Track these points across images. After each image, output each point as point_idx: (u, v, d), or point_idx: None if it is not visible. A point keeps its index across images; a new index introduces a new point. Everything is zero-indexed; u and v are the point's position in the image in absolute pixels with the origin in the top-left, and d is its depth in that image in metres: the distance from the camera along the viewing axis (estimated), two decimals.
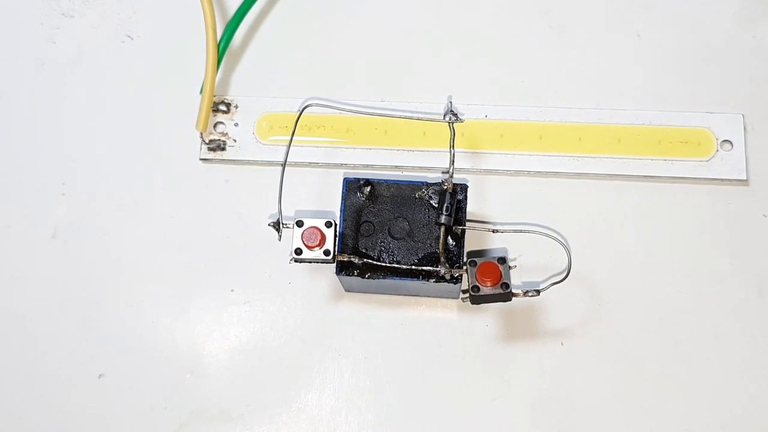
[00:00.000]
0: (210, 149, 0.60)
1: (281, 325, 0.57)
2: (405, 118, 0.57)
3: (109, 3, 0.64)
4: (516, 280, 0.56)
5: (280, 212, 0.52)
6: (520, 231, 0.54)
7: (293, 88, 0.61)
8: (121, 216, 0.59)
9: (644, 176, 0.59)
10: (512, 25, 0.63)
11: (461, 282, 0.52)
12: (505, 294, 0.51)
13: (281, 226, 0.53)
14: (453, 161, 0.52)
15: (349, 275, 0.53)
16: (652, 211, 0.58)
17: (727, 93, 0.60)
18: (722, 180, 0.58)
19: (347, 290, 0.57)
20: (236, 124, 0.61)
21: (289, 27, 0.63)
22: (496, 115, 0.60)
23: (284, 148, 0.53)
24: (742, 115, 0.59)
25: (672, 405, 0.55)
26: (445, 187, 0.52)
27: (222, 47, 0.60)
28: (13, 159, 0.61)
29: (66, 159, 0.61)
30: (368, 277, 0.53)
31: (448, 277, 0.52)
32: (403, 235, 0.54)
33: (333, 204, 0.57)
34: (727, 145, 0.59)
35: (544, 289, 0.53)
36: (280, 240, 0.53)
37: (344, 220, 0.54)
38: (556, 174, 0.59)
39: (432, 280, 0.52)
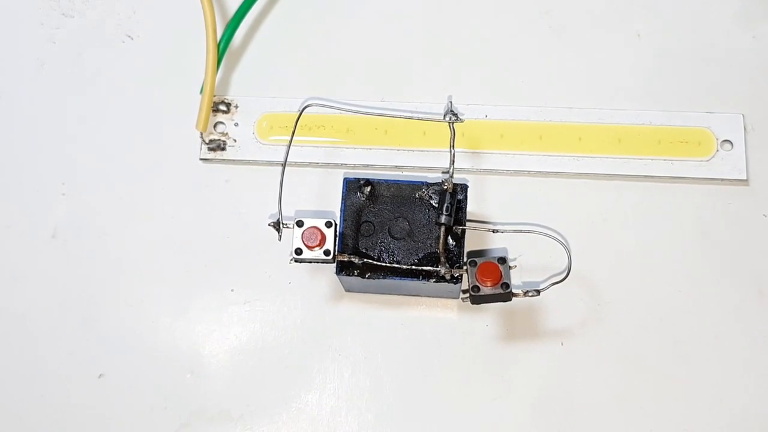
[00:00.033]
0: (210, 149, 0.60)
1: (281, 325, 0.57)
2: (405, 118, 0.57)
3: (109, 3, 0.64)
4: (516, 280, 0.56)
5: (280, 212, 0.52)
6: (520, 231, 0.54)
7: (293, 88, 0.61)
8: (121, 216, 0.59)
9: (644, 176, 0.59)
10: (512, 25, 0.63)
11: (461, 282, 0.52)
12: (505, 294, 0.52)
13: (281, 226, 0.53)
14: (453, 161, 0.52)
15: (349, 275, 0.53)
16: (652, 211, 0.58)
17: (727, 93, 0.60)
18: (722, 180, 0.58)
19: (347, 290, 0.57)
20: (236, 124, 0.61)
21: (289, 27, 0.63)
22: (496, 115, 0.60)
23: (284, 148, 0.53)
24: (743, 115, 0.59)
25: (672, 405, 0.55)
26: (446, 187, 0.52)
27: (222, 47, 0.60)
28: (13, 159, 0.61)
29: (66, 159, 0.61)
30: (368, 277, 0.53)
31: (448, 277, 0.52)
32: (403, 235, 0.54)
33: (333, 204, 0.57)
34: (727, 145, 0.59)
35: (544, 289, 0.53)
36: (280, 240, 0.53)
37: (344, 220, 0.54)
38: (556, 174, 0.59)
39: (432, 280, 0.52)
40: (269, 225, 0.53)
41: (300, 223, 0.53)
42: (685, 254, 0.57)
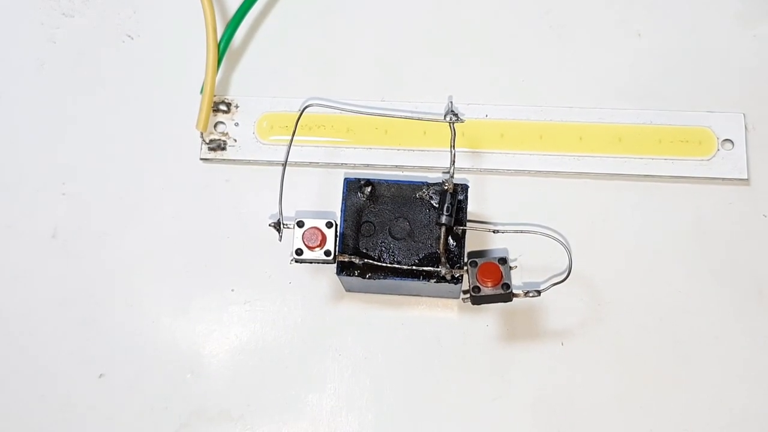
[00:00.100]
0: (210, 149, 0.60)
1: (281, 325, 0.57)
2: (405, 118, 0.57)
3: (109, 3, 0.64)
4: (517, 280, 0.56)
5: (281, 212, 0.52)
6: (521, 231, 0.54)
7: (293, 88, 0.61)
8: (121, 216, 0.59)
9: (645, 175, 0.59)
10: (512, 24, 0.62)
11: (462, 282, 0.52)
12: (505, 294, 0.51)
13: (282, 226, 0.52)
14: (453, 161, 0.52)
15: (349, 275, 0.53)
16: (653, 211, 0.58)
17: (728, 92, 0.60)
18: (723, 179, 0.58)
19: (348, 290, 0.57)
20: (236, 124, 0.61)
21: (289, 27, 0.63)
22: (496, 114, 0.60)
23: (284, 148, 0.53)
24: (743, 115, 0.59)
25: (672, 405, 0.55)
26: (446, 188, 0.52)
27: (222, 47, 0.60)
28: (13, 159, 0.61)
29: (66, 159, 0.61)
30: (369, 278, 0.53)
31: (448, 277, 0.52)
32: (403, 235, 0.54)
33: (333, 204, 0.57)
34: (728, 145, 0.59)
35: (544, 290, 0.53)
36: (280, 241, 0.53)
37: (345, 220, 0.54)
38: (556, 173, 0.59)
39: (433, 281, 0.52)
40: (270, 225, 0.53)
41: (301, 224, 0.53)
42: (686, 254, 0.57)
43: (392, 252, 0.53)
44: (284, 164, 0.53)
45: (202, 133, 0.60)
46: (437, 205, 0.53)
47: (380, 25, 0.63)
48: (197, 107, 0.59)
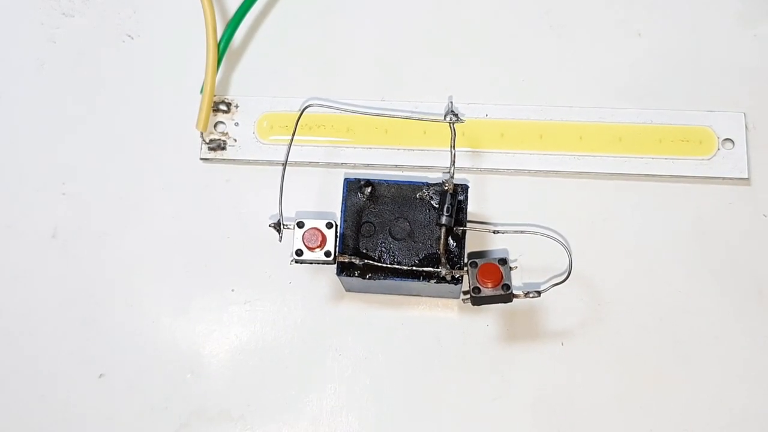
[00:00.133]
0: (210, 149, 0.60)
1: (282, 325, 0.57)
2: (405, 118, 0.57)
3: (109, 3, 0.64)
4: (517, 280, 0.56)
5: (281, 213, 0.52)
6: (521, 232, 0.54)
7: (293, 87, 0.61)
8: (121, 216, 0.59)
9: (645, 175, 0.59)
10: (512, 24, 0.62)
11: (462, 283, 0.52)
12: (506, 295, 0.51)
13: (282, 227, 0.52)
14: (454, 162, 0.52)
15: (349, 276, 0.53)
16: (653, 210, 0.58)
17: (728, 91, 0.60)
18: (723, 179, 0.58)
19: (348, 290, 0.57)
20: (237, 124, 0.61)
21: (289, 27, 0.63)
22: (496, 114, 0.60)
23: (285, 148, 0.53)
24: (744, 114, 0.59)
25: (672, 405, 0.55)
26: (446, 188, 0.52)
27: (222, 47, 0.60)
28: (13, 159, 0.61)
29: (66, 159, 0.61)
30: (369, 278, 0.53)
31: (449, 278, 0.52)
32: (403, 235, 0.54)
33: (334, 203, 0.57)
34: (728, 144, 0.59)
35: (545, 290, 0.53)
36: (281, 241, 0.53)
37: (345, 220, 0.54)
38: (556, 173, 0.59)
39: (433, 281, 0.52)
40: (270, 226, 0.53)
41: (301, 224, 0.53)
42: (686, 254, 0.57)
43: (392, 252, 0.53)
44: (284, 164, 0.53)
45: (202, 133, 0.60)
46: (437, 206, 0.53)
47: (380, 25, 0.63)
48: (197, 107, 0.59)
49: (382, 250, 0.53)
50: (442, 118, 0.53)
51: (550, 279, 0.55)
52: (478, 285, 0.51)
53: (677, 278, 0.57)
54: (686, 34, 0.62)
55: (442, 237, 0.52)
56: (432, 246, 0.53)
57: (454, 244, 0.53)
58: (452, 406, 0.55)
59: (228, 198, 0.60)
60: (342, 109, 0.57)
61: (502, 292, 0.51)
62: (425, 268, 0.52)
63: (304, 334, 0.57)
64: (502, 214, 0.58)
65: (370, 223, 0.54)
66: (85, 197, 0.60)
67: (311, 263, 0.53)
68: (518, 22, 0.62)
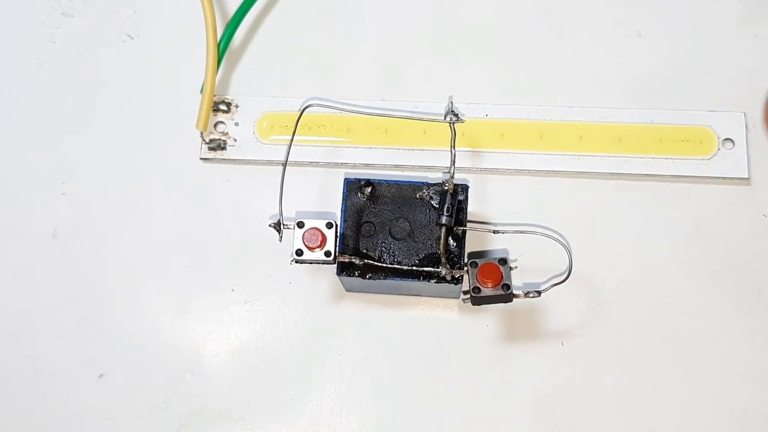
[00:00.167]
0: (210, 149, 0.60)
1: (282, 325, 0.57)
2: (405, 118, 0.57)
3: (109, 3, 0.64)
4: (517, 280, 0.56)
5: (281, 213, 0.52)
6: (521, 232, 0.54)
7: (293, 87, 0.61)
8: (121, 216, 0.59)
9: (645, 175, 0.58)
10: (512, 24, 0.62)
11: (462, 283, 0.52)
12: (506, 295, 0.51)
13: (282, 227, 0.52)
14: (454, 162, 0.52)
15: (349, 276, 0.53)
16: (653, 210, 0.58)
17: (728, 91, 0.60)
18: (723, 179, 0.58)
19: (348, 290, 0.57)
20: (237, 124, 0.61)
21: (289, 27, 0.63)
22: (496, 114, 0.60)
23: (285, 148, 0.53)
24: (744, 114, 0.59)
25: (672, 405, 0.55)
26: (446, 188, 0.52)
27: (222, 47, 0.60)
28: (13, 159, 0.61)
29: (66, 159, 0.61)
30: (369, 278, 0.53)
31: (449, 278, 0.52)
32: (404, 235, 0.54)
33: (334, 204, 0.57)
34: (728, 144, 0.59)
35: (545, 290, 0.53)
36: (281, 241, 0.52)
37: (345, 220, 0.54)
38: (556, 173, 0.59)
39: (433, 281, 0.52)
40: (270, 226, 0.53)
41: (301, 224, 0.52)
42: (686, 254, 0.57)
43: (392, 252, 0.53)
44: (284, 164, 0.53)
45: (202, 133, 0.60)
46: (437, 206, 0.53)
47: (380, 25, 0.63)
48: (197, 107, 0.59)
49: (382, 250, 0.53)
50: (442, 118, 0.53)
51: (550, 279, 0.55)
52: (478, 285, 0.51)
53: (677, 278, 0.57)
54: (686, 34, 0.62)
55: (442, 237, 0.52)
56: (432, 246, 0.53)
57: (454, 244, 0.53)
58: (452, 406, 0.55)
59: (228, 198, 0.60)
60: (342, 109, 0.57)
61: (502, 292, 0.51)
62: (425, 268, 0.52)
63: (304, 334, 0.57)
64: (502, 214, 0.58)
65: (370, 223, 0.54)
66: (85, 197, 0.60)
67: (311, 263, 0.53)
68: (518, 22, 0.62)
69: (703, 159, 0.58)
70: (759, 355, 0.55)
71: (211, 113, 0.60)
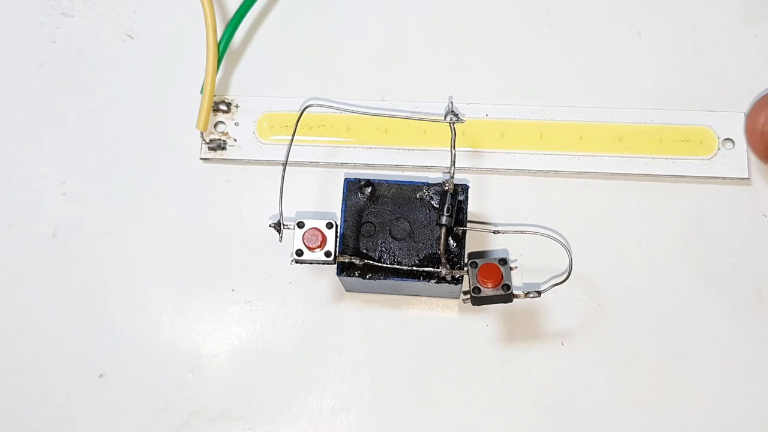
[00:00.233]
0: (210, 149, 0.60)
1: (282, 325, 0.57)
2: (405, 118, 0.57)
3: (109, 3, 0.64)
4: (517, 280, 0.56)
5: (281, 213, 0.52)
6: (521, 232, 0.54)
7: (293, 87, 0.61)
8: (121, 216, 0.59)
9: (645, 175, 0.58)
10: (513, 23, 0.62)
11: (462, 283, 0.52)
12: (506, 295, 0.51)
13: (282, 227, 0.52)
14: (454, 162, 0.52)
15: (350, 276, 0.53)
16: (653, 210, 0.58)
17: (728, 91, 0.60)
18: (724, 179, 0.58)
19: (348, 290, 0.57)
20: (237, 124, 0.61)
21: (289, 27, 0.63)
22: (496, 114, 0.60)
23: (285, 148, 0.53)
24: (744, 114, 0.59)
25: (672, 405, 0.55)
26: (446, 188, 0.52)
27: (222, 47, 0.60)
28: (13, 159, 0.61)
29: (66, 159, 0.61)
30: (369, 278, 0.53)
31: (449, 278, 0.52)
32: (404, 235, 0.54)
33: (334, 204, 0.57)
34: (728, 144, 0.59)
35: (545, 291, 0.53)
36: (281, 241, 0.52)
37: (345, 221, 0.54)
38: (556, 173, 0.59)
39: (433, 281, 0.52)
40: (270, 226, 0.53)
41: (301, 225, 0.52)
42: (686, 254, 0.57)
43: (392, 252, 0.53)
44: (284, 164, 0.53)
45: (202, 133, 0.60)
46: (437, 206, 0.53)
47: (380, 25, 0.63)
48: (197, 107, 0.59)
49: (382, 250, 0.53)
50: (443, 118, 0.53)
51: (550, 279, 0.55)
52: (478, 285, 0.51)
53: (677, 278, 0.57)
54: (686, 33, 0.62)
55: (442, 237, 0.52)
56: (432, 246, 0.53)
57: (454, 244, 0.53)
58: (452, 406, 0.55)
59: (228, 198, 0.60)
60: (342, 109, 0.57)
61: (502, 292, 0.51)
62: (425, 268, 0.52)
63: (304, 334, 0.57)
64: (502, 214, 0.58)
65: (370, 223, 0.54)
66: (85, 197, 0.60)
67: (311, 263, 0.53)
68: (518, 21, 0.62)
69: (703, 159, 0.58)
70: (759, 356, 0.55)
71: (211, 113, 0.60)
